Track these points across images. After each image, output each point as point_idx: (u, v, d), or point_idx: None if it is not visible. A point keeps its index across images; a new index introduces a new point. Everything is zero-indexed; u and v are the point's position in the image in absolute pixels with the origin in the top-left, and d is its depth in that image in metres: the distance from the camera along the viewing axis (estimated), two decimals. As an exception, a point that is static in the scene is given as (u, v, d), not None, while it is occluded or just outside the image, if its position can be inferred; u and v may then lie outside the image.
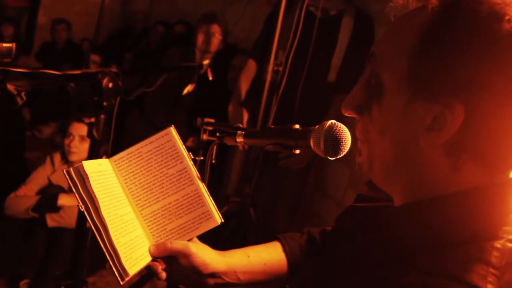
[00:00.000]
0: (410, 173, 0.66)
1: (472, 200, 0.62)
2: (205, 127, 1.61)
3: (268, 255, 1.00)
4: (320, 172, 2.84)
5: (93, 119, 1.36)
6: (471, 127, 0.58)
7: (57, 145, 3.33)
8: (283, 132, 0.86)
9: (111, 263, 0.81)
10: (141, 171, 0.93)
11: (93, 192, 0.83)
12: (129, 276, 0.82)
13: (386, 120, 0.65)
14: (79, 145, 2.58)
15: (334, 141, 0.77)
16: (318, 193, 2.93)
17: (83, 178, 0.84)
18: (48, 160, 2.68)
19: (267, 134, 0.90)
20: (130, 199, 0.92)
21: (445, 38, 0.59)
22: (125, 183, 0.92)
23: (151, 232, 0.91)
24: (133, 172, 0.93)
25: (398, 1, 0.67)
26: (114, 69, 1.36)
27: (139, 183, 0.93)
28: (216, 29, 3.08)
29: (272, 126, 0.91)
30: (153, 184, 0.93)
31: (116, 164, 0.93)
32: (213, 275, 0.91)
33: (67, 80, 1.26)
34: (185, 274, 0.90)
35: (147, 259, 0.88)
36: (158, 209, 0.92)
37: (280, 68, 2.30)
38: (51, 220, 2.48)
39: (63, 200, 2.50)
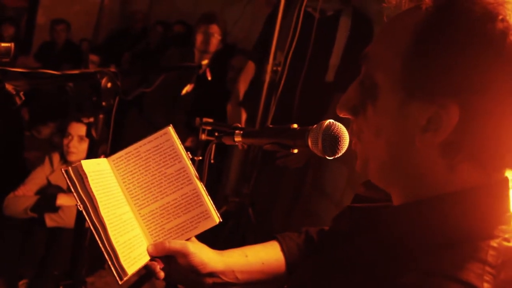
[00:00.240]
0: (406, 173, 0.66)
1: (468, 200, 0.62)
2: (203, 127, 1.61)
3: (266, 255, 1.00)
4: (318, 172, 2.84)
5: (91, 119, 1.36)
6: (467, 127, 0.58)
7: (56, 145, 3.32)
8: (281, 131, 0.86)
9: (109, 262, 0.81)
10: (139, 170, 0.93)
11: (92, 192, 0.83)
12: (128, 276, 0.82)
13: (381, 120, 0.65)
14: (78, 145, 2.57)
15: (332, 140, 0.78)
16: (316, 193, 2.93)
17: (81, 177, 0.84)
18: (47, 160, 2.67)
19: (265, 133, 0.90)
20: (129, 198, 0.92)
21: (439, 38, 0.59)
22: (124, 182, 0.92)
23: (149, 232, 0.91)
24: (131, 171, 0.93)
25: (391, 1, 0.67)
26: (112, 69, 1.36)
27: (138, 183, 0.93)
28: (215, 29, 3.08)
29: (270, 126, 0.91)
30: (151, 184, 0.93)
31: (114, 164, 0.93)
32: (211, 274, 0.91)
33: (65, 80, 1.26)
34: (183, 274, 0.90)
35: (146, 258, 0.88)
36: (156, 209, 0.92)
37: (279, 68, 2.31)
38: (50, 220, 2.47)
39: (62, 200, 2.50)
